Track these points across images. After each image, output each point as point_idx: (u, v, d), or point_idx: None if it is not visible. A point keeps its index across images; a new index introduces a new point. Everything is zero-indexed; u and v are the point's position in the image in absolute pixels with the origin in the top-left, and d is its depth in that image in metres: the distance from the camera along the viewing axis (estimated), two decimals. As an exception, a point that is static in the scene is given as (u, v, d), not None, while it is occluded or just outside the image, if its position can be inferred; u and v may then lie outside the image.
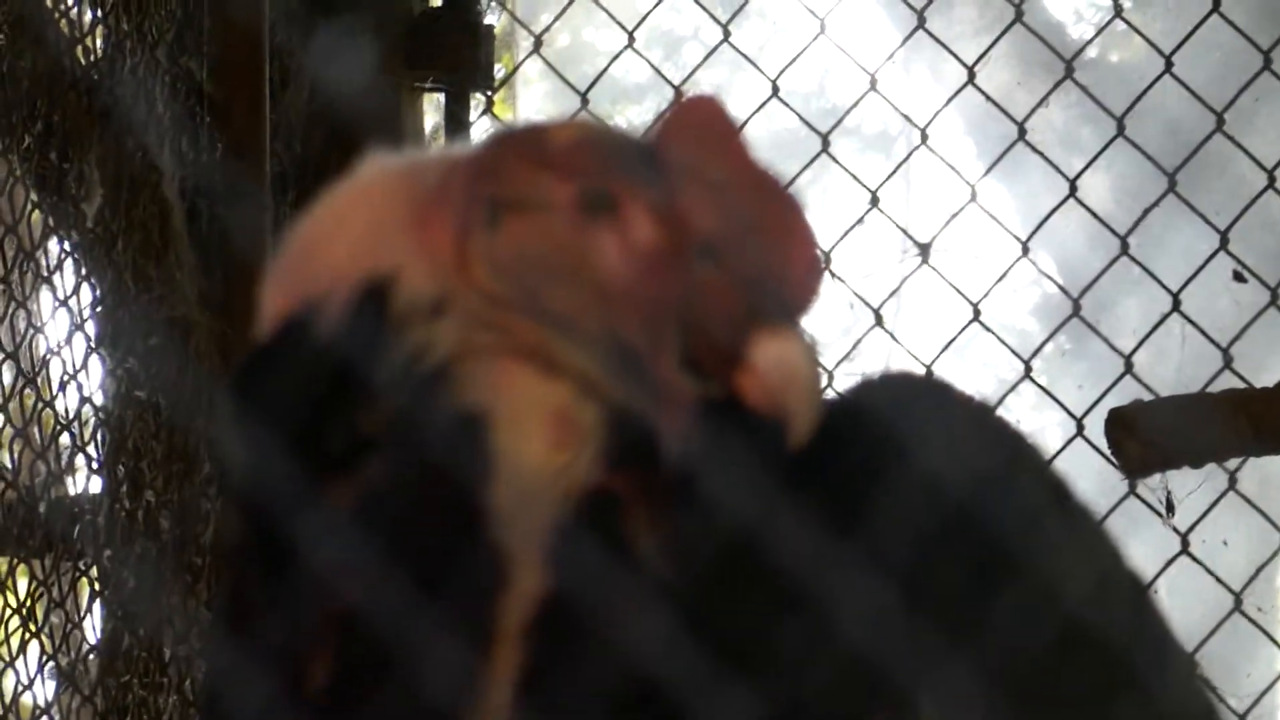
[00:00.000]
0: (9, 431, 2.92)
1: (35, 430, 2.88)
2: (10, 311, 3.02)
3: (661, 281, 1.29)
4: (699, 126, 1.34)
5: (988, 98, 3.40)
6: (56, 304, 2.94)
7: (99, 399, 2.97)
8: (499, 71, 3.65)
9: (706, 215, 1.31)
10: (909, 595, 1.35)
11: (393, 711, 1.30)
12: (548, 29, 3.44)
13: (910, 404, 1.49)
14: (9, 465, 2.89)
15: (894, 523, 1.36)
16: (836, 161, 3.40)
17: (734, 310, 1.28)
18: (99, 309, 2.98)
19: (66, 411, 2.88)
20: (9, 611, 2.87)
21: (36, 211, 2.96)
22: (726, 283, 1.29)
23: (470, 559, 1.28)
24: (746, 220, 1.31)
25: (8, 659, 2.85)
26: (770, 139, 4.07)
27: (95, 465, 2.93)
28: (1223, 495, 3.20)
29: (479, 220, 1.30)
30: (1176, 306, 3.29)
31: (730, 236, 1.30)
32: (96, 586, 2.86)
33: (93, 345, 2.95)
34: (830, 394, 1.46)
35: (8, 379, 2.96)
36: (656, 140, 1.34)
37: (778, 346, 1.28)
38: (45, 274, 2.90)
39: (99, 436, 2.92)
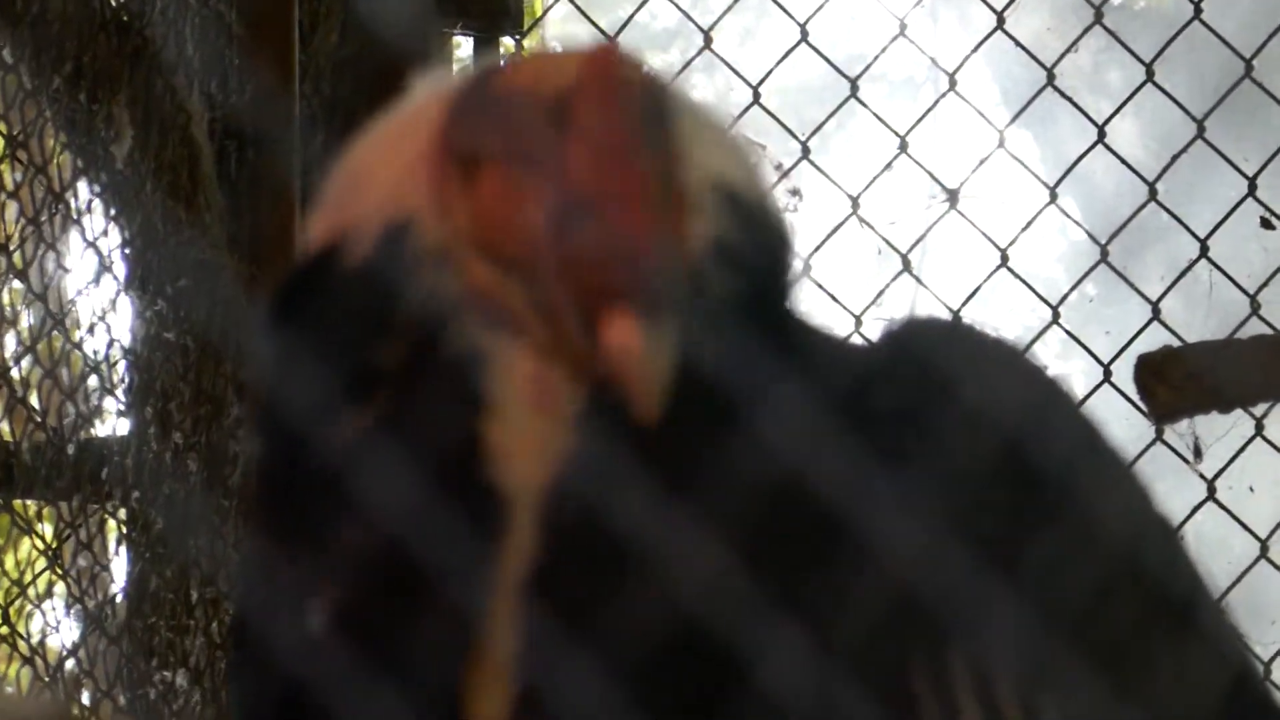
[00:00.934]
0: (37, 373, 2.89)
1: (64, 372, 2.85)
2: (40, 254, 2.99)
3: (549, 242, 1.26)
4: (595, 82, 1.31)
5: (1017, 43, 3.36)
6: (85, 246, 2.91)
7: (127, 341, 2.94)
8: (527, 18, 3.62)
9: (581, 180, 1.27)
10: (953, 537, 1.33)
11: (406, 641, 1.29)
12: (576, -27, 3.41)
13: (943, 347, 1.47)
14: (37, 407, 2.87)
15: (936, 464, 1.34)
16: (865, 105, 3.36)
17: (592, 282, 1.25)
18: (128, 251, 2.95)
19: (95, 354, 2.85)
20: (36, 554, 2.85)
21: (65, 153, 2.92)
22: (589, 253, 1.25)
23: (471, 498, 1.28)
24: (605, 189, 1.28)
25: (35, 601, 2.83)
26: (798, 85, 4.03)
27: (123, 407, 2.90)
28: (1250, 441, 3.17)
29: (451, 169, 1.29)
30: (1204, 253, 3.26)
31: (591, 204, 1.26)
32: (124, 529, 2.84)
33: (121, 287, 2.92)
34: (857, 339, 1.45)
35: (35, 321, 2.93)
36: (566, 94, 1.30)
37: (619, 327, 1.24)
38: (74, 216, 2.87)
39: (127, 379, 2.89)
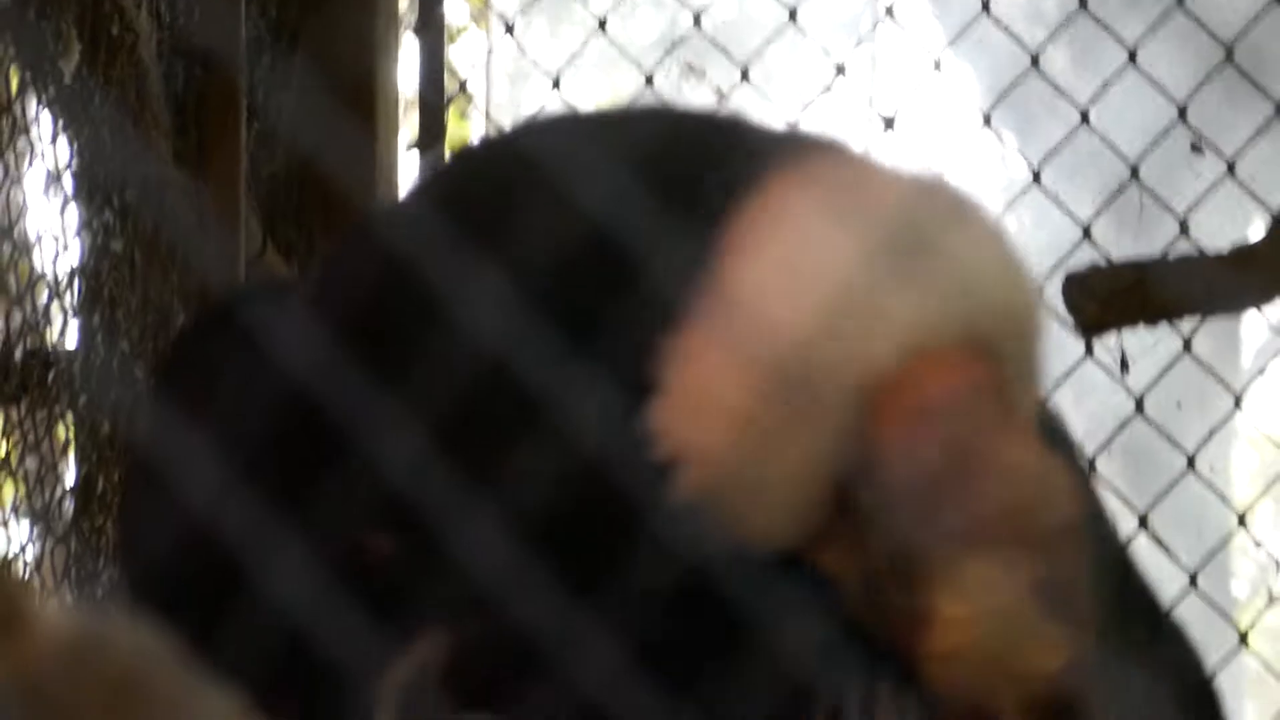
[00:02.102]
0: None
1: (12, 280, 2.87)
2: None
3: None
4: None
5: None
6: (33, 156, 2.93)
7: (75, 250, 2.96)
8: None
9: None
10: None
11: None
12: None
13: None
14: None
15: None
16: (802, 32, 3.40)
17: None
18: (75, 163, 2.97)
19: (42, 263, 2.87)
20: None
21: (13, 65, 2.94)
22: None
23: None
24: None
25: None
26: (741, 15, 4.07)
27: (71, 315, 2.92)
28: (1177, 359, 3.21)
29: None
30: (1135, 176, 3.30)
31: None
32: (72, 432, 2.86)
33: (70, 197, 2.94)
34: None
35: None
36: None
37: None
38: (23, 127, 2.89)
39: (75, 287, 2.91)
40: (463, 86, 3.68)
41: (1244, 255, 2.80)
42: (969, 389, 1.48)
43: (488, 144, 2.02)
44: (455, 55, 4.41)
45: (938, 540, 1.43)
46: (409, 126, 3.32)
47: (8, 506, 2.85)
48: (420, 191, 1.74)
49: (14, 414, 2.83)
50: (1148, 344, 3.25)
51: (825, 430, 1.47)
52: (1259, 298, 2.79)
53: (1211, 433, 3.27)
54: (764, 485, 1.47)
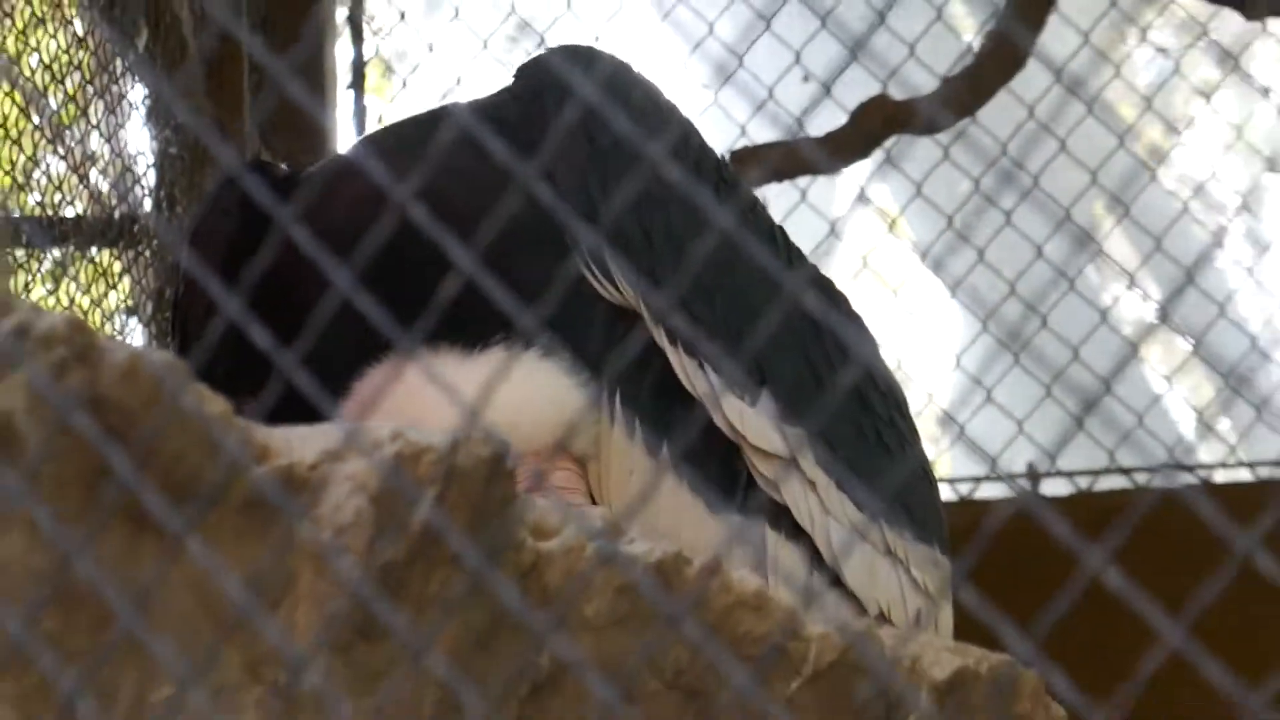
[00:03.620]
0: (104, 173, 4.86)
1: (113, 170, 4.81)
2: (95, 102, 4.93)
3: None
4: None
5: None
6: (122, 97, 4.87)
7: (150, 153, 4.90)
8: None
9: None
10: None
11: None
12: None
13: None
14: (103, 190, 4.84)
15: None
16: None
17: None
18: (146, 99, 4.91)
19: (130, 160, 4.82)
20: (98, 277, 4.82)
21: (107, 43, 4.87)
22: None
23: None
24: None
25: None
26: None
27: (147, 191, 4.87)
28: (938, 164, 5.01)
29: None
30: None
31: None
32: (148, 255, 4.81)
33: (145, 121, 4.88)
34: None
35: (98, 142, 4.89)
36: None
37: None
38: (116, 80, 4.82)
39: (149, 175, 4.86)
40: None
41: (833, 137, 4.56)
42: None
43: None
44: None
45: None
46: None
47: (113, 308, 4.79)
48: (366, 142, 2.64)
49: (114, 251, 4.78)
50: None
51: None
52: (841, 165, 4.54)
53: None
54: None
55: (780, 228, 2.50)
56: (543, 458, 2.24)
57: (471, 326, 2.17)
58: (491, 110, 2.31)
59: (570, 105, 2.27)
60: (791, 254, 2.47)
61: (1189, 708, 2.89)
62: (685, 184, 2.18)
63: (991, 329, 4.21)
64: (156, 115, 4.91)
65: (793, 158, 4.50)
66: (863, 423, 2.39)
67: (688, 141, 2.38)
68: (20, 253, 4.72)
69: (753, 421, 2.31)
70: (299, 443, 1.65)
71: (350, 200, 2.21)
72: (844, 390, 2.32)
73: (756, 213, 2.48)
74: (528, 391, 2.23)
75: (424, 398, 2.00)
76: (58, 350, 1.57)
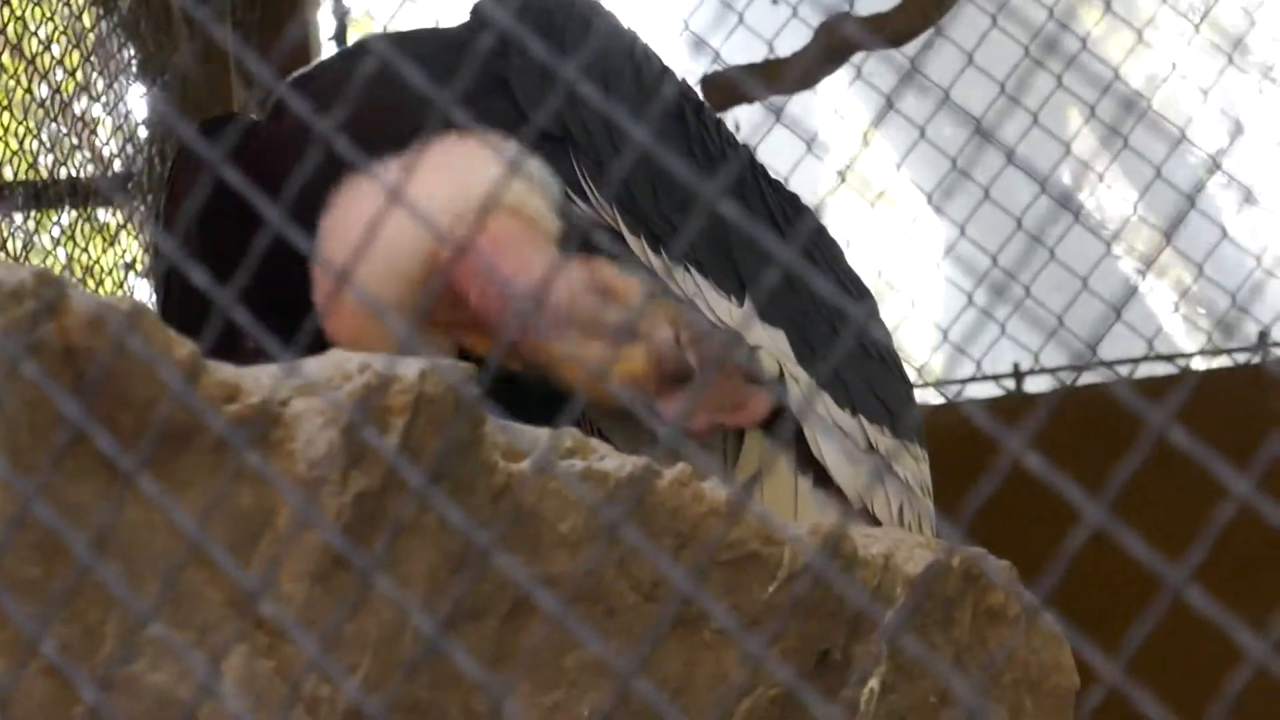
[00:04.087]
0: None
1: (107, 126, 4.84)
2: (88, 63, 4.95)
3: None
4: None
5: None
6: (112, 60, 4.89)
7: (140, 111, 4.92)
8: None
9: None
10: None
11: None
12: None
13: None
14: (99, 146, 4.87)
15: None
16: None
17: None
18: (135, 61, 4.92)
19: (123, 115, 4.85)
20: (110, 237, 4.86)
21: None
22: None
23: None
24: None
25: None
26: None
27: (140, 149, 4.89)
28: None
29: None
30: None
31: None
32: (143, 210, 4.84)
33: (134, 78, 4.90)
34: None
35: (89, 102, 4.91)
36: None
37: None
38: (103, 42, 4.84)
39: (138, 132, 4.88)
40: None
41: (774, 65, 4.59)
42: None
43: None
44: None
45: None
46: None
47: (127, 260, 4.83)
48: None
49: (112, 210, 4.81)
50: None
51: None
52: (792, 90, 4.60)
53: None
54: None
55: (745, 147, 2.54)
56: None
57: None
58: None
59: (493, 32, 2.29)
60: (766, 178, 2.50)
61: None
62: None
63: (970, 237, 4.23)
64: (146, 73, 4.92)
65: (761, 77, 4.51)
66: (836, 324, 2.41)
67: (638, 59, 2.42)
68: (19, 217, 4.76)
69: (740, 320, 2.33)
70: (270, 380, 1.67)
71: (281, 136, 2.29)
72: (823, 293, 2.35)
73: (704, 124, 2.48)
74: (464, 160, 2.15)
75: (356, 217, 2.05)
76: (28, 304, 1.59)
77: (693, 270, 2.34)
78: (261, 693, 1.65)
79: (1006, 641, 1.97)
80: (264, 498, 1.65)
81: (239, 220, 1.80)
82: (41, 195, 4.81)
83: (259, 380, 1.67)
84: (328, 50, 5.22)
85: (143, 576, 1.60)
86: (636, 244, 2.34)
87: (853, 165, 4.60)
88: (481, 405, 1.72)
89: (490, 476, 1.74)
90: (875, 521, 2.41)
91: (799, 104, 4.93)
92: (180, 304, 2.56)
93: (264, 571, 1.62)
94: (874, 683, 1.92)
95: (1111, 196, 4.60)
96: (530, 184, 2.17)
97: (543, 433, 1.80)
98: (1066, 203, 4.25)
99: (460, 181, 2.10)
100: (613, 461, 1.81)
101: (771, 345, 2.35)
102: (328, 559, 1.67)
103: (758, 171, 2.53)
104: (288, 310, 1.87)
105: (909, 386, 2.65)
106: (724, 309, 2.34)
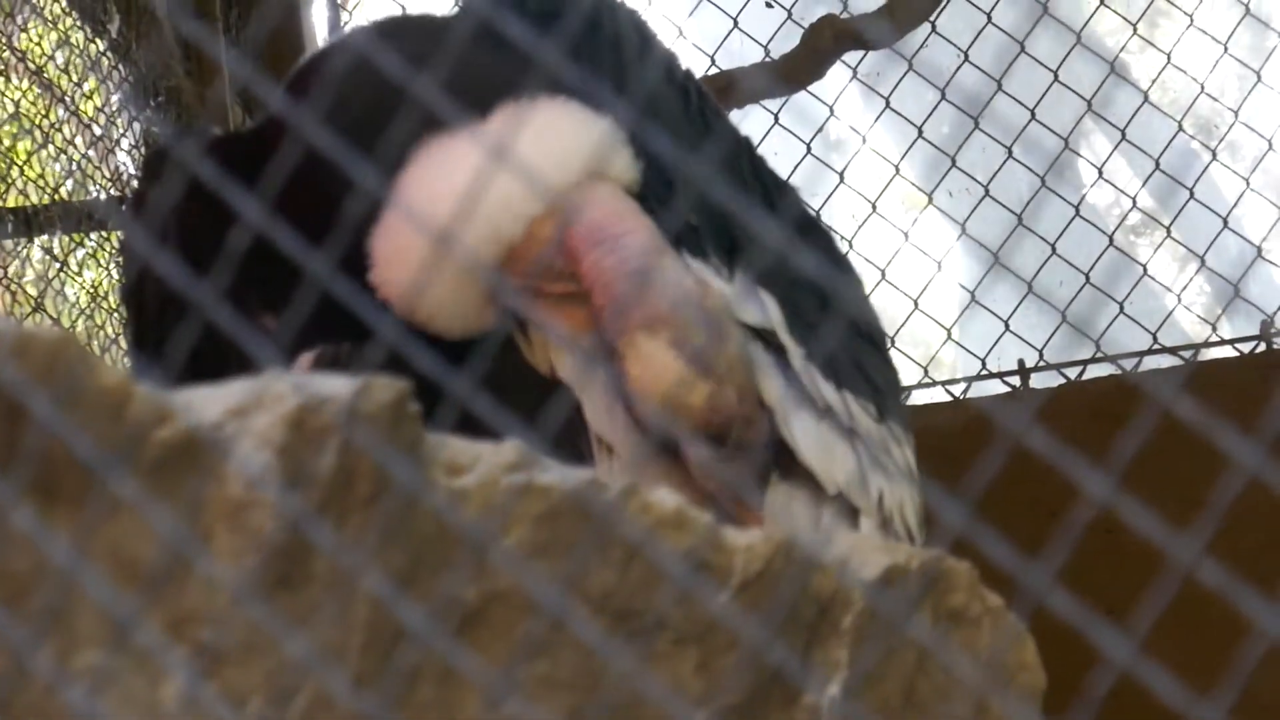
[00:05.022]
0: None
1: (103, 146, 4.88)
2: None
3: None
4: None
5: None
6: (100, 81, 4.92)
7: (132, 135, 4.95)
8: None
9: None
10: None
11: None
12: None
13: None
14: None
15: None
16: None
17: None
18: (129, 80, 4.96)
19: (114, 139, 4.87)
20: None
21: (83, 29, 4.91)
22: None
23: None
24: None
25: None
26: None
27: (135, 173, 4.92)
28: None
29: None
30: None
31: None
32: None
33: (128, 100, 4.93)
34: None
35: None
36: None
37: None
38: (91, 66, 4.87)
39: (132, 155, 4.91)
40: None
41: (785, 62, 4.61)
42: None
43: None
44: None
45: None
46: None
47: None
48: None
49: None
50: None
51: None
52: (789, 90, 4.59)
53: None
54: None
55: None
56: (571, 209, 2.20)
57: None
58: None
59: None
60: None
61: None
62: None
63: (971, 235, 4.23)
64: (138, 96, 4.96)
65: (750, 79, 4.51)
66: (826, 300, 2.39)
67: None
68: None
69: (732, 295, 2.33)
70: (201, 403, 1.69)
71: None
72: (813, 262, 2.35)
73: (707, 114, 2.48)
74: (551, 126, 2.19)
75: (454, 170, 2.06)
76: (-47, 334, 1.60)
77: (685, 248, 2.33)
78: (205, 718, 1.66)
79: (970, 643, 1.97)
80: (198, 522, 1.66)
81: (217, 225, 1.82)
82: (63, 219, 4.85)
83: (190, 404, 1.68)
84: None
85: (78, 604, 1.62)
86: None
87: (849, 169, 4.57)
88: (419, 422, 1.73)
89: (432, 494, 1.75)
90: (852, 511, 2.39)
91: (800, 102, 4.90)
92: (157, 321, 2.54)
93: (200, 596, 1.64)
94: (834, 689, 1.92)
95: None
96: (611, 147, 2.22)
97: (485, 447, 1.80)
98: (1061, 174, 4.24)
99: (564, 145, 2.14)
100: (556, 475, 1.81)
101: (762, 313, 2.33)
102: (270, 578, 1.69)
103: (749, 148, 2.53)
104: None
105: (894, 370, 2.61)
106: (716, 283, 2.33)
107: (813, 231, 2.53)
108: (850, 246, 4.42)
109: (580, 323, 2.21)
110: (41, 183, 4.84)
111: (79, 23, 4.87)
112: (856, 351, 2.43)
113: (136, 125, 4.95)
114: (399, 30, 2.39)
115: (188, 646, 1.65)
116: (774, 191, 2.48)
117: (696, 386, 2.16)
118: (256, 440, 1.67)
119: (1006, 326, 4.22)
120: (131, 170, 4.96)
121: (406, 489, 1.70)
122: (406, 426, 1.72)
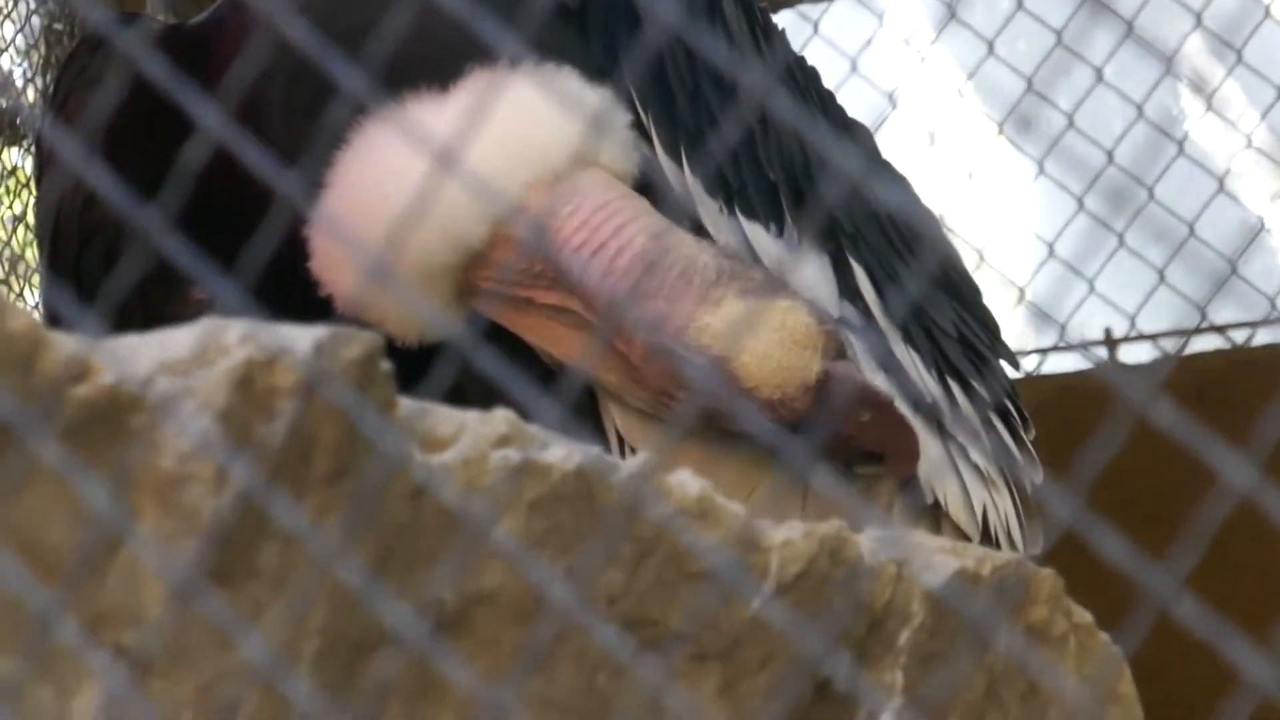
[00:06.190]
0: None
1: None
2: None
3: None
4: None
5: None
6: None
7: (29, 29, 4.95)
8: None
9: None
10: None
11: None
12: None
13: None
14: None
15: None
16: None
17: None
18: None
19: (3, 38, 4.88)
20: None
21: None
22: None
23: None
24: None
25: None
26: None
27: (29, 75, 4.92)
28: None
29: None
30: None
31: None
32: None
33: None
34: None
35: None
36: None
37: None
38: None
39: (30, 55, 4.91)
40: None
41: None
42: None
43: None
44: None
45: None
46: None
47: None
48: None
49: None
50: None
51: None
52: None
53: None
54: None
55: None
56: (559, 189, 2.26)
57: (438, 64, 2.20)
58: None
59: None
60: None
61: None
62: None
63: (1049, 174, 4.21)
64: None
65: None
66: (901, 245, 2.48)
67: None
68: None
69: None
70: (129, 355, 1.67)
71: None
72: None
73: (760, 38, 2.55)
74: (528, 108, 2.23)
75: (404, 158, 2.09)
76: None
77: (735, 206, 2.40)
78: (128, 735, 1.65)
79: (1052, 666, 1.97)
80: (123, 499, 1.65)
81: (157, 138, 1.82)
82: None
83: (116, 355, 1.67)
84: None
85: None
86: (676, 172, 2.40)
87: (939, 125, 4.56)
88: (391, 383, 1.72)
89: (405, 470, 1.74)
90: (935, 511, 2.43)
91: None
92: (78, 252, 2.57)
93: (121, 590, 1.63)
94: (887, 718, 1.92)
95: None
96: (603, 130, 2.27)
97: (470, 416, 1.79)
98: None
99: (528, 133, 2.20)
100: (557, 452, 1.80)
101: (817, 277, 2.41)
102: (207, 571, 1.68)
103: (806, 72, 2.58)
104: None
105: (992, 321, 2.64)
106: (764, 241, 2.40)
107: (885, 170, 2.59)
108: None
109: (570, 346, 2.33)
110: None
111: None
112: (937, 314, 2.48)
113: (35, 19, 4.95)
114: None
115: (107, 651, 1.65)
116: (842, 124, 2.57)
117: (808, 354, 2.30)
118: (196, 401, 1.66)
119: (1091, 288, 4.20)
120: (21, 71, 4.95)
121: (378, 464, 1.69)
122: (377, 388, 1.71)
